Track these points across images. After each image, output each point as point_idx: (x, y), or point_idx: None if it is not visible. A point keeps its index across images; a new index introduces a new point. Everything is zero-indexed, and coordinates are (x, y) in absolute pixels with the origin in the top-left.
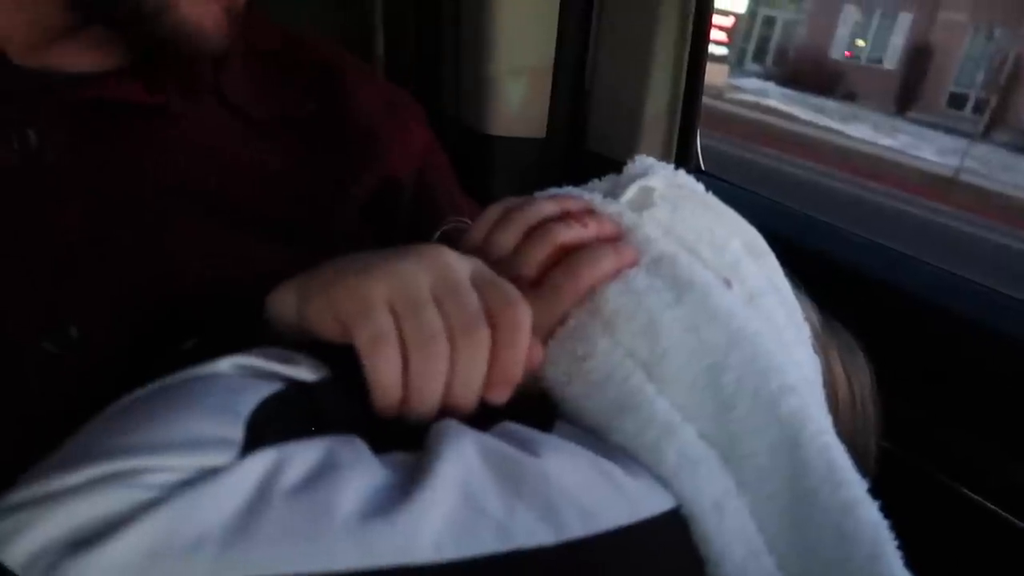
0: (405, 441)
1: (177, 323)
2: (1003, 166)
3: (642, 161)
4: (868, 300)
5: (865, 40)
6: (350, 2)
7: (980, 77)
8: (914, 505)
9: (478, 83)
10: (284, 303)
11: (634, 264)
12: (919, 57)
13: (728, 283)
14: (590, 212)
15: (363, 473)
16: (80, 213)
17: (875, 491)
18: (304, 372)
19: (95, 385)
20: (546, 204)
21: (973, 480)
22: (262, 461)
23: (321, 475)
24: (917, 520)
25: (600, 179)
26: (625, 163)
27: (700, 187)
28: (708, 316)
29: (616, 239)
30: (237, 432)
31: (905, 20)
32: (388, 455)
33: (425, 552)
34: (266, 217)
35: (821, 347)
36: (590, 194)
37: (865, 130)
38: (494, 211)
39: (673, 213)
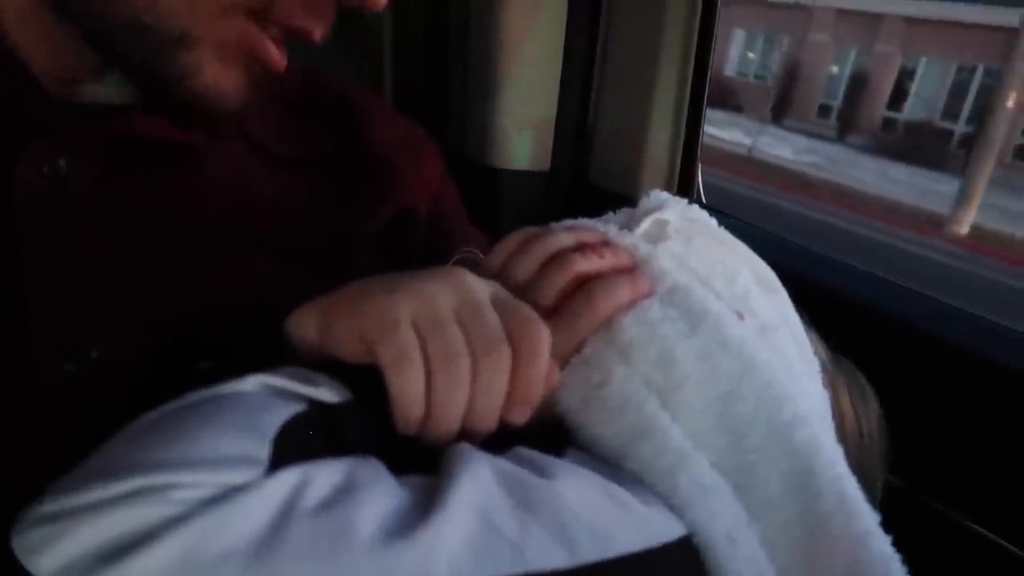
0: (421, 466)
1: (196, 347)
2: (845, 162)
3: (656, 195)
4: (871, 334)
5: (754, 61)
6: (359, 35)
7: (842, 90)
8: (921, 540)
9: (483, 130)
10: (307, 323)
11: (649, 295)
12: (792, 73)
13: (740, 316)
14: (606, 243)
15: (383, 494)
16: (105, 241)
17: (882, 526)
18: (326, 393)
19: (111, 405)
20: (563, 235)
21: (980, 514)
22: (286, 480)
23: (343, 495)
24: (924, 555)
25: (614, 212)
26: (628, 197)
27: (713, 222)
28: (721, 346)
29: (631, 270)
30: (263, 451)
31: (784, 41)
32: (406, 477)
33: (442, 572)
34: (287, 247)
35: (829, 381)
36: (605, 226)
37: (737, 134)
38: (513, 240)
39: (687, 246)
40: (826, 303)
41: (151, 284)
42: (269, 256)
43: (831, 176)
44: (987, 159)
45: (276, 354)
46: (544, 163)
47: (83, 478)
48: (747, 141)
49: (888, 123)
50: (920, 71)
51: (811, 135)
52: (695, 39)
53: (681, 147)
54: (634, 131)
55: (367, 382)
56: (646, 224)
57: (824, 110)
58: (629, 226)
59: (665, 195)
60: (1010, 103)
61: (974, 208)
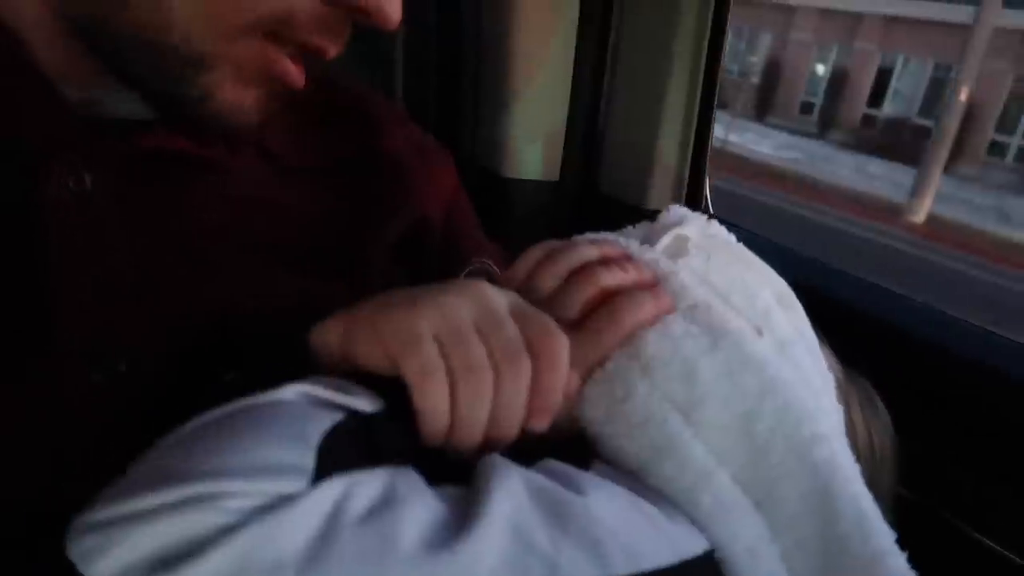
0: (449, 474)
1: (216, 357)
2: (824, 157)
3: (676, 210)
4: (881, 346)
5: (738, 58)
6: (371, 48)
7: (823, 87)
8: (932, 554)
9: (494, 141)
10: (330, 337)
11: (671, 310)
12: (774, 71)
13: (759, 331)
14: (628, 258)
15: (422, 506)
16: (128, 252)
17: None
18: (362, 403)
19: (136, 415)
20: (587, 248)
21: (992, 528)
22: (332, 490)
23: (385, 506)
24: (935, 569)
25: (633, 225)
26: (637, 207)
27: (732, 237)
28: (742, 363)
29: (654, 285)
30: (308, 460)
31: (766, 39)
32: (440, 488)
33: None
34: (304, 257)
35: (842, 396)
36: (627, 241)
37: (719, 130)
38: (536, 252)
39: (707, 262)
40: (837, 316)
41: (173, 293)
42: (286, 266)
43: (807, 171)
44: (940, 152)
45: (297, 364)
46: (554, 173)
47: (135, 485)
48: (732, 138)
49: (867, 120)
50: (898, 69)
51: (793, 132)
52: (705, 51)
53: (690, 157)
54: (643, 142)
55: (391, 394)
56: (667, 239)
57: (806, 107)
58: (649, 241)
59: (684, 210)
60: (963, 96)
61: (929, 198)
